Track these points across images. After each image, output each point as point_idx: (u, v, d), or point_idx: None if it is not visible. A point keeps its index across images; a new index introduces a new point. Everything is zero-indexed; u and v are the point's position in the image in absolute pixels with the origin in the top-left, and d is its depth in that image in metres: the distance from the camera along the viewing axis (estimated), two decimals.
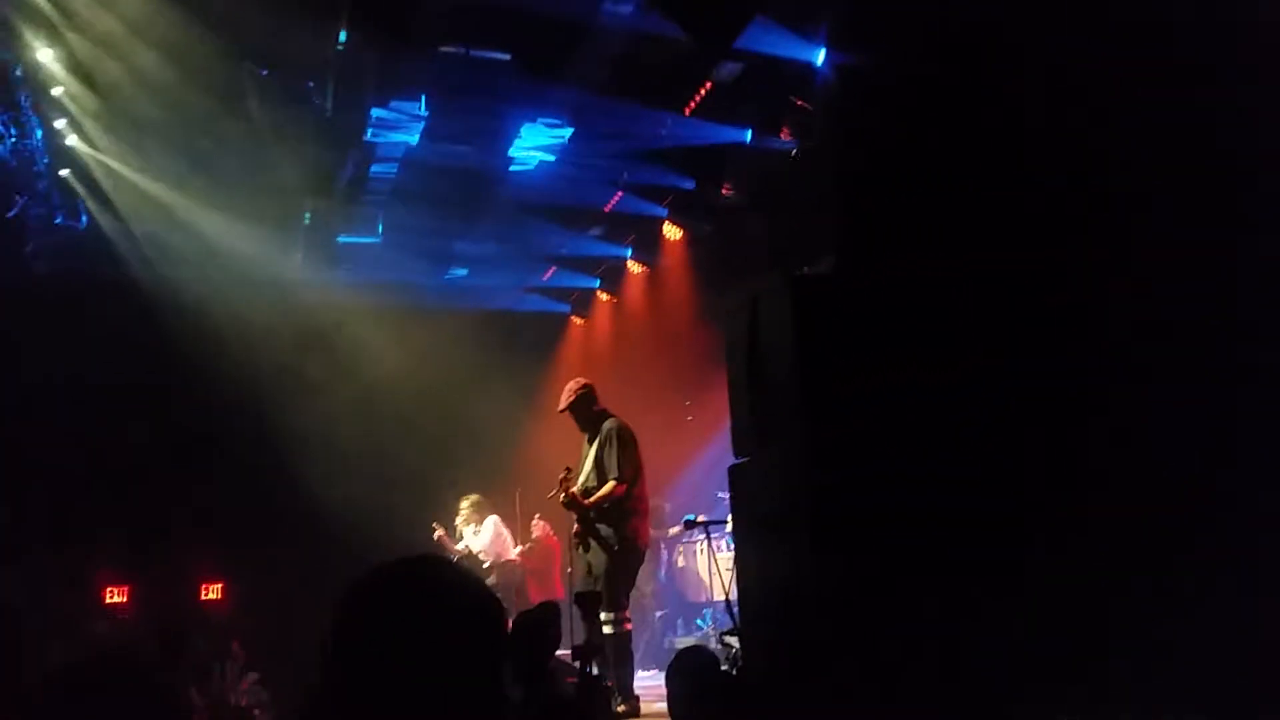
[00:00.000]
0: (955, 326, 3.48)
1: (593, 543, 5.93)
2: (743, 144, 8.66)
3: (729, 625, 8.24)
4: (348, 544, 9.46)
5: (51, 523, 9.04)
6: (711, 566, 8.94)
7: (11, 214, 8.84)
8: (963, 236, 3.69)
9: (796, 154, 8.24)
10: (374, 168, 9.21)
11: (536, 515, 9.83)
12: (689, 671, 3.67)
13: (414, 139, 8.76)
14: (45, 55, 7.89)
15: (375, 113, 8.41)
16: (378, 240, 10.41)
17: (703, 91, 8.15)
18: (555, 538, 9.58)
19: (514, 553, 9.34)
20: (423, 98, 8.33)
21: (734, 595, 4.42)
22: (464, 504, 9.26)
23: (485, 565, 9.08)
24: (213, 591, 9.96)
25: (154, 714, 2.69)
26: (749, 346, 4.03)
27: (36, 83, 8.14)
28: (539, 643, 4.14)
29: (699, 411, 10.85)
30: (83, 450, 9.28)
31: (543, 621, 4.26)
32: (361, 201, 9.75)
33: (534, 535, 9.82)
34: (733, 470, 4.13)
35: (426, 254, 10.89)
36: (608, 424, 6.08)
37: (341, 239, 10.44)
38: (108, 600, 9.33)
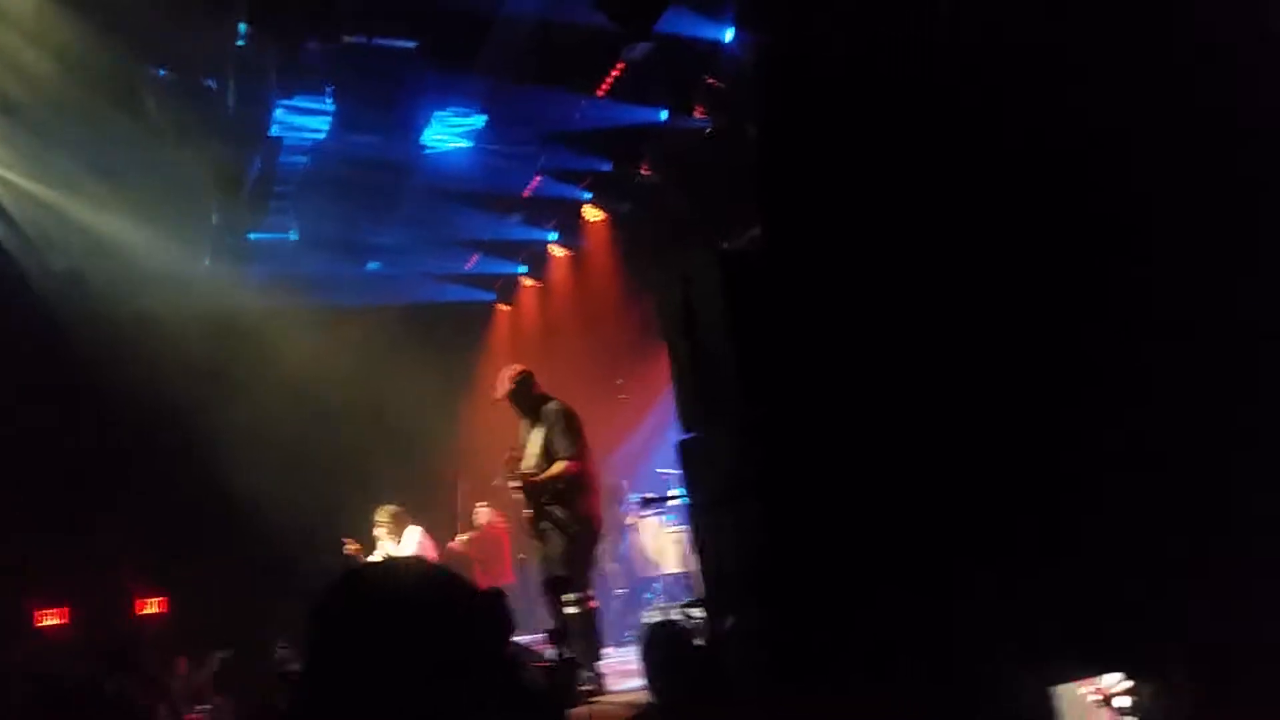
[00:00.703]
0: (885, 297, 3.53)
1: (548, 526, 5.87)
2: (658, 123, 8.68)
3: (684, 598, 8.33)
4: (283, 547, 9.33)
5: None
6: (660, 542, 9.04)
7: None
8: (885, 205, 3.73)
9: (711, 131, 8.28)
10: (282, 162, 8.96)
11: (482, 503, 9.74)
12: (660, 644, 3.72)
13: (322, 132, 8.55)
14: None
15: (280, 106, 8.18)
16: (291, 236, 10.16)
17: (615, 73, 8.12)
18: (502, 524, 9.51)
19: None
20: (328, 90, 8.13)
21: (691, 568, 4.46)
22: (382, 515, 8.94)
23: None
24: (151, 605, 9.70)
25: None
26: (684, 323, 4.04)
27: None
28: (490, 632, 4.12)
29: (631, 389, 10.88)
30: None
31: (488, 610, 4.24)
32: (271, 197, 9.49)
33: (478, 523, 9.72)
34: (681, 446, 4.15)
35: (343, 248, 10.68)
36: (550, 405, 6.03)
37: (252, 236, 10.15)
38: (40, 623, 9.00)
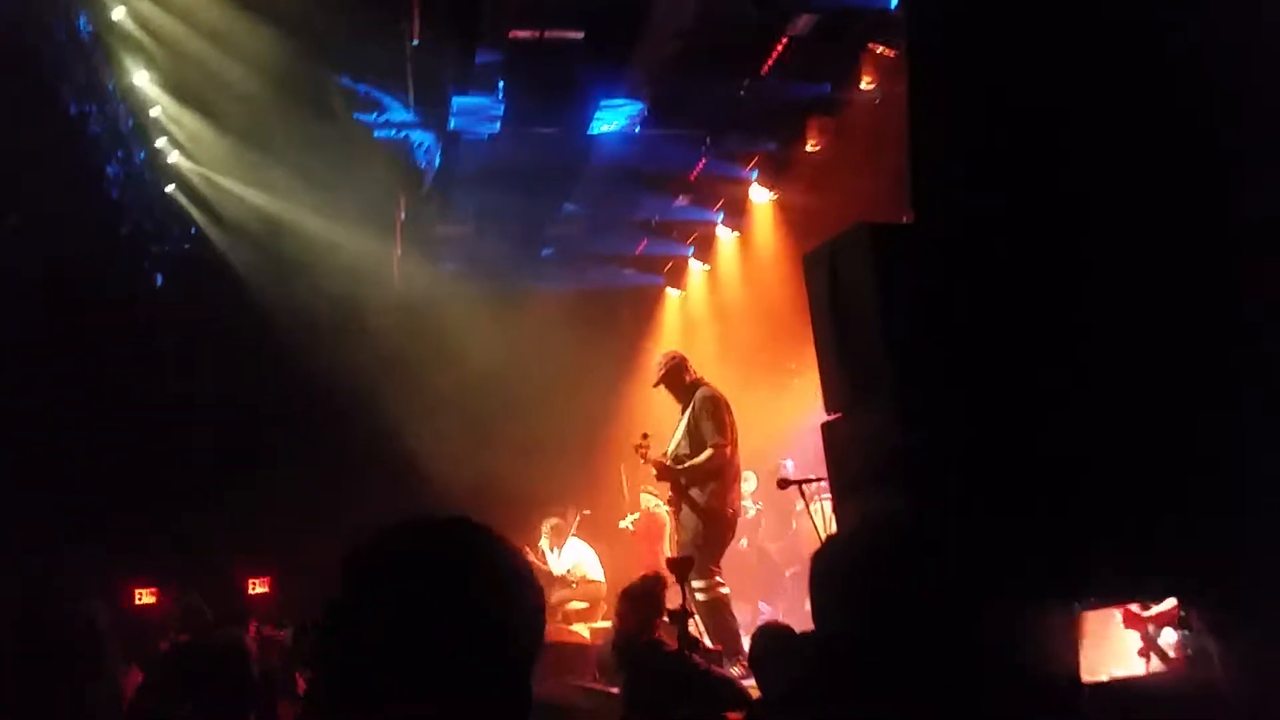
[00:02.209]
0: (1044, 278, 3.34)
1: (685, 509, 5.95)
2: (823, 97, 8.49)
3: None
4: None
5: (189, 526, 9.51)
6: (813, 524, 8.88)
7: (125, 232, 9.32)
8: (1054, 183, 3.52)
9: (879, 102, 8.03)
10: (460, 156, 9.36)
11: (647, 485, 9.90)
12: (765, 641, 3.67)
13: (496, 125, 8.85)
14: (141, 78, 8.27)
15: (456, 102, 8.53)
16: (470, 228, 10.59)
17: (779, 48, 7.99)
18: (659, 510, 9.64)
19: (598, 574, 9.29)
20: (500, 84, 8.41)
21: None
22: (545, 527, 9.44)
23: (573, 585, 9.16)
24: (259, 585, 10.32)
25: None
26: (831, 301, 3.96)
27: (135, 105, 8.54)
28: (642, 613, 4.19)
29: (805, 372, 10.73)
30: (209, 454, 9.75)
31: (645, 593, 4.32)
32: (451, 191, 9.93)
33: (644, 506, 9.88)
34: (825, 427, 4.07)
35: (518, 235, 11.02)
36: (700, 392, 6.09)
37: (436, 229, 10.66)
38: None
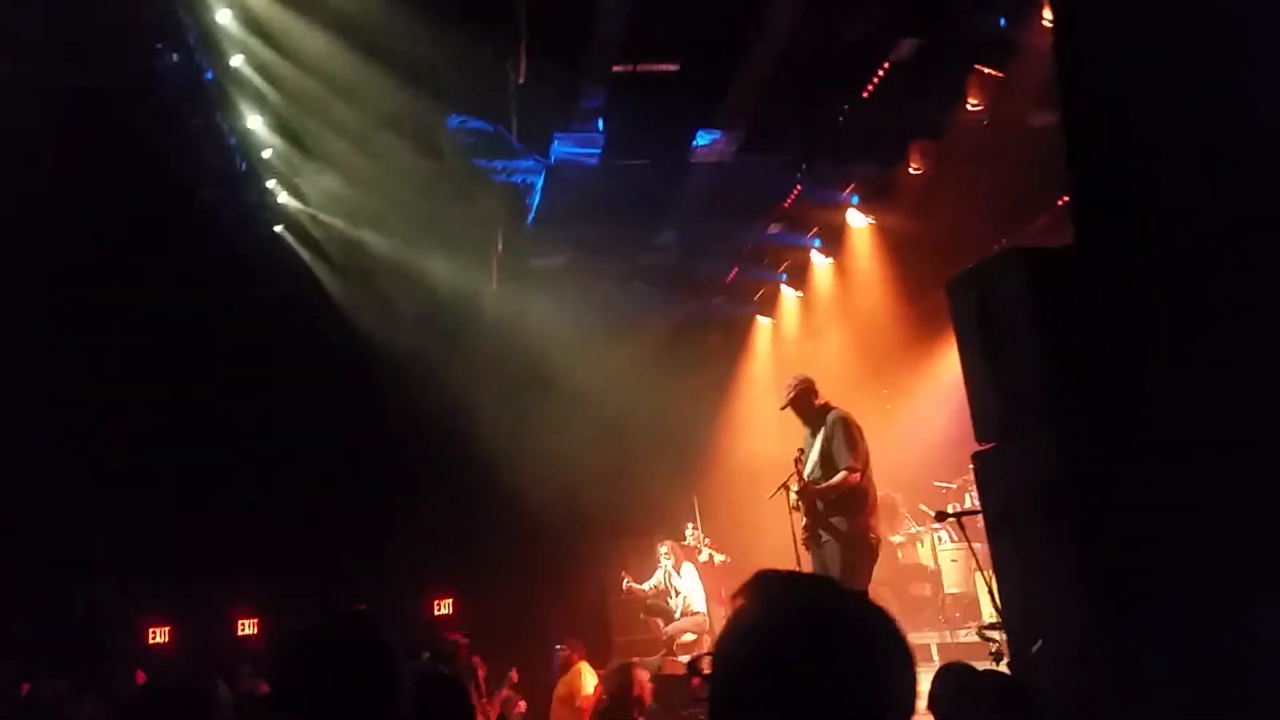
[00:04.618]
0: (1218, 293, 3.23)
1: (825, 536, 5.81)
2: (926, 121, 8.42)
3: (958, 619, 7.93)
4: (571, 559, 9.87)
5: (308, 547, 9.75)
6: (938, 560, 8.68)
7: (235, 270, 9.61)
8: (1212, 208, 3.42)
9: (987, 124, 7.93)
10: (559, 189, 9.48)
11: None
12: (951, 681, 3.56)
13: (595, 158, 8.95)
14: (255, 122, 8.54)
15: (557, 137, 8.65)
16: (565, 260, 10.69)
17: (880, 73, 7.96)
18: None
19: (701, 604, 9.19)
20: (600, 119, 8.51)
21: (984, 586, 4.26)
22: (663, 549, 9.45)
23: (677, 616, 9.06)
24: (444, 606, 10.54)
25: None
26: (980, 326, 3.88)
27: (249, 147, 8.83)
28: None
29: (899, 399, 10.60)
30: (334, 477, 9.99)
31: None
32: (549, 224, 10.05)
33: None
34: (976, 457, 3.98)
35: (613, 267, 11.09)
36: (833, 415, 5.97)
37: (532, 262, 10.78)
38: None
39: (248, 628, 10.51)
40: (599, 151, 8.82)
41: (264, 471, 9.77)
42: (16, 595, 8.24)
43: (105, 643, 9.33)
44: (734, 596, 1.14)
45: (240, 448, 9.78)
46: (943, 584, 8.57)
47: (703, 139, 8.98)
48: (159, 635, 10.15)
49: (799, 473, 5.95)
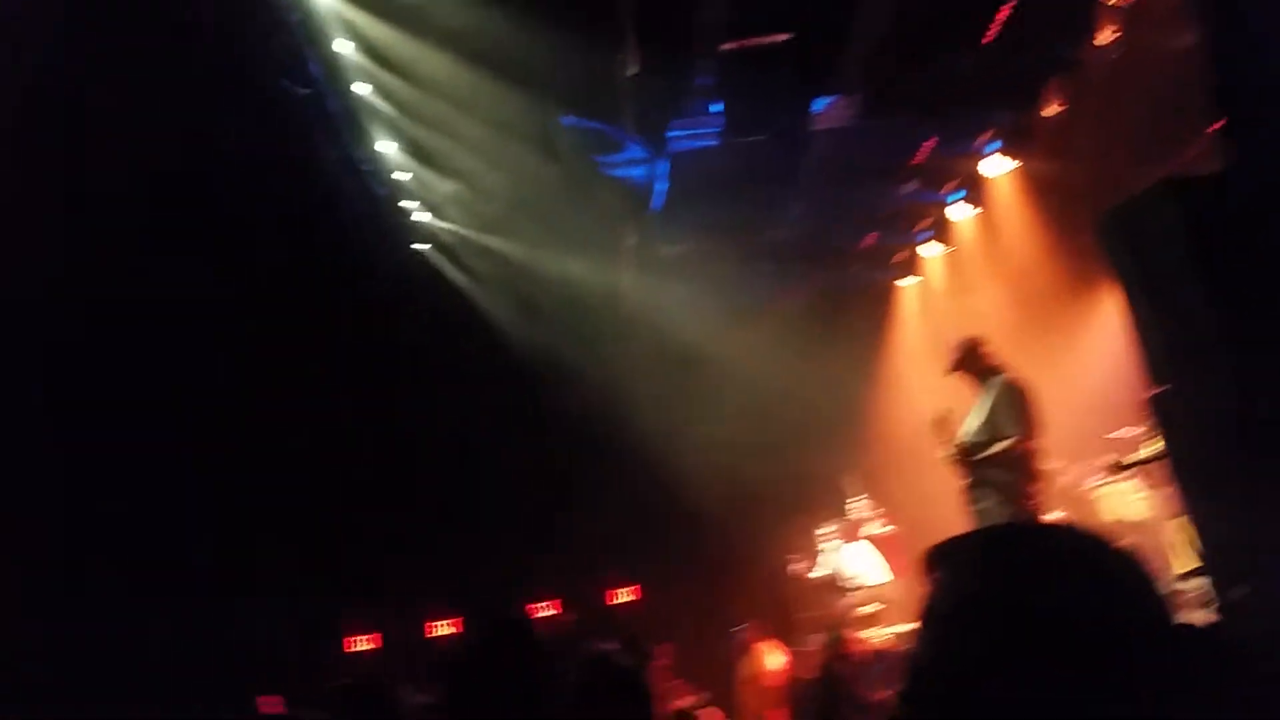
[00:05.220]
0: None
1: (987, 503, 5.57)
2: (1058, 58, 7.97)
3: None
4: (740, 540, 9.91)
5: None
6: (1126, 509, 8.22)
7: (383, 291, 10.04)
8: None
9: (1120, 55, 7.44)
10: (681, 176, 9.46)
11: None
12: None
13: (713, 140, 8.88)
14: (388, 147, 8.87)
15: (674, 123, 8.63)
16: (694, 245, 10.66)
17: (1004, 12, 7.57)
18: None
19: (879, 576, 8.98)
20: (715, 100, 8.43)
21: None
22: (823, 532, 9.29)
23: (853, 592, 8.90)
24: (623, 595, 10.80)
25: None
26: (1137, 264, 3.65)
27: (383, 171, 9.19)
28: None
29: (1063, 351, 10.08)
30: (505, 478, 10.31)
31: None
32: (674, 211, 10.04)
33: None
34: (1155, 400, 3.74)
35: (743, 247, 10.99)
36: (1001, 378, 5.70)
37: (662, 251, 10.80)
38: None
39: (443, 629, 10.95)
40: (717, 132, 8.74)
41: (440, 476, 10.22)
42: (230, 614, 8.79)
43: (314, 654, 9.92)
44: (930, 561, 1.07)
45: (416, 456, 10.26)
46: (1136, 536, 8.15)
47: (823, 105, 8.78)
48: (361, 644, 10.70)
49: (944, 437, 5.73)
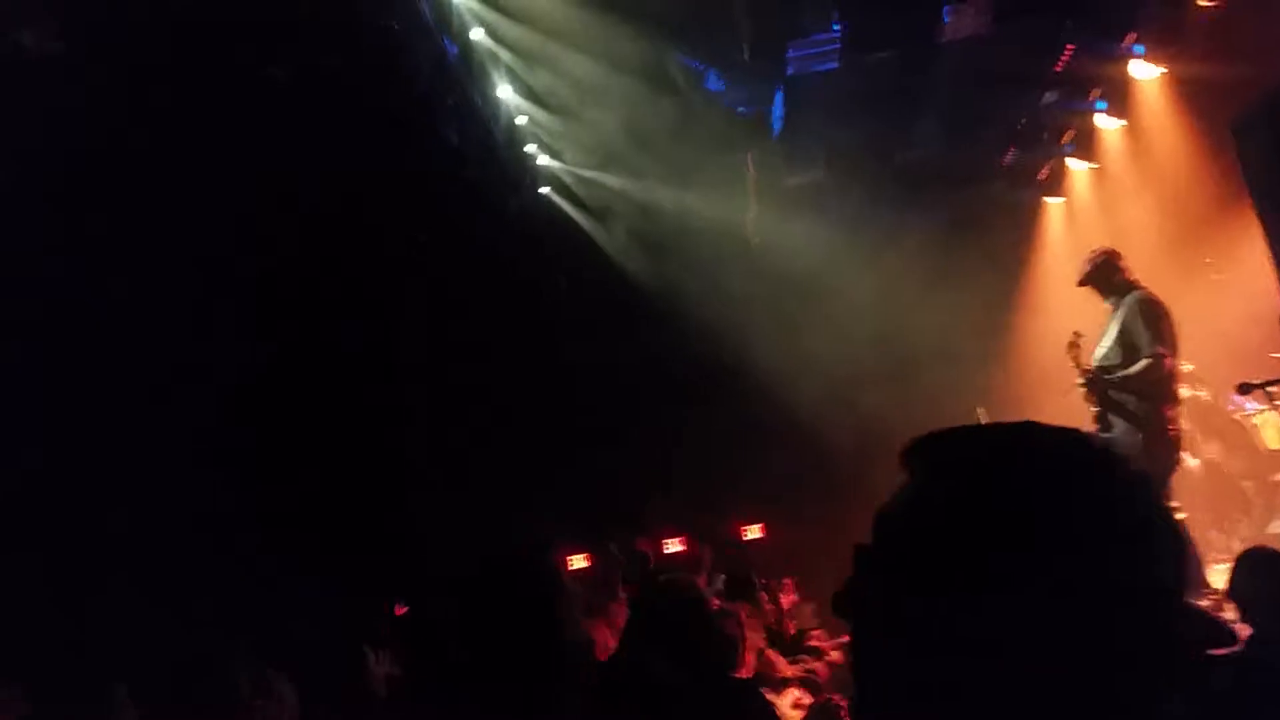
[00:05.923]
0: None
1: (1119, 427, 5.23)
2: None
3: None
4: (863, 477, 9.70)
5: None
6: None
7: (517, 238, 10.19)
8: None
9: None
10: (802, 101, 9.16)
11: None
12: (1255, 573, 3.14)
13: (834, 61, 8.54)
14: (505, 91, 8.92)
15: (791, 47, 8.34)
16: (821, 172, 10.35)
17: None
18: None
19: None
20: (835, 15, 8.08)
21: None
22: None
23: None
24: (753, 531, 10.86)
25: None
26: (1275, 167, 3.31)
27: (502, 116, 9.25)
28: None
29: (1226, 268, 9.32)
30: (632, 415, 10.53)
31: None
32: (798, 137, 9.76)
33: None
34: None
35: (872, 170, 10.58)
36: (1136, 294, 5.34)
37: (787, 180, 10.53)
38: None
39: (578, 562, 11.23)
40: (838, 51, 8.39)
41: (574, 417, 10.43)
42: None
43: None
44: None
45: (556, 397, 10.49)
46: None
47: (949, 14, 8.28)
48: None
49: (1076, 358, 5.40)
